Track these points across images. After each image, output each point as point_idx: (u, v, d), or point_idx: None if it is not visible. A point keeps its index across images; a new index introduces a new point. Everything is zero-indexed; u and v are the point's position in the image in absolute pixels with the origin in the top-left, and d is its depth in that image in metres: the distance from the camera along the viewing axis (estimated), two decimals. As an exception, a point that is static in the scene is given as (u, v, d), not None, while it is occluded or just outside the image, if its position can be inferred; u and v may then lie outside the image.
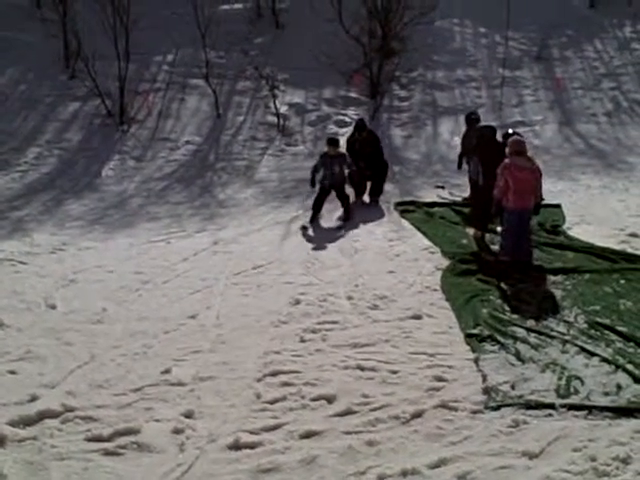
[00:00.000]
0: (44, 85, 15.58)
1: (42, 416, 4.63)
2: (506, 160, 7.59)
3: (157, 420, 4.60)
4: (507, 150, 7.69)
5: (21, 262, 8.46)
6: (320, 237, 9.46)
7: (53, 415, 4.64)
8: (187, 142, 14.27)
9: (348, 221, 10.13)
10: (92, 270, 8.18)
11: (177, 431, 4.45)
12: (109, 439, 4.36)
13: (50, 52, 15.61)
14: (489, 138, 8.74)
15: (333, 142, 10.68)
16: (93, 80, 14.47)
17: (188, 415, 4.66)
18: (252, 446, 4.25)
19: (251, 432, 4.41)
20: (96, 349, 5.83)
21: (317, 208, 10.29)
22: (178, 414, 4.66)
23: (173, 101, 15.64)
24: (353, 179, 10.99)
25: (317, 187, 10.50)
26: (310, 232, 9.73)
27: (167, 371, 5.34)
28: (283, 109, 15.43)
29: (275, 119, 15.08)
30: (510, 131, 9.56)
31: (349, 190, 10.85)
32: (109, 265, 8.30)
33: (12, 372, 5.38)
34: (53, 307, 6.92)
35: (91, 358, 5.63)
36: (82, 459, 4.16)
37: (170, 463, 4.08)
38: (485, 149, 8.60)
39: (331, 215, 10.42)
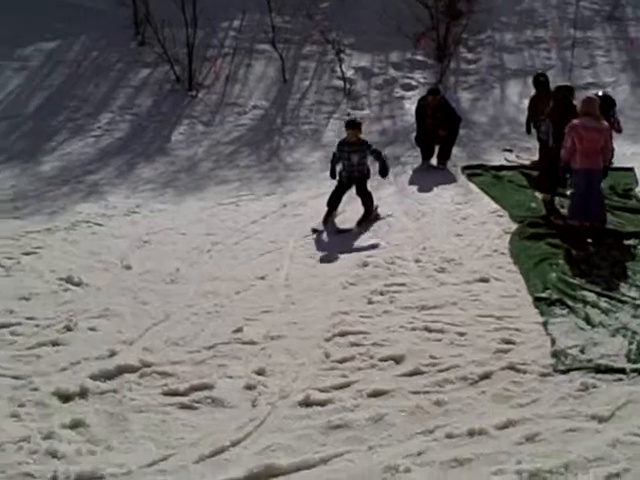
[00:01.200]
0: (115, 52, 15.85)
1: (121, 370, 4.82)
2: (574, 120, 7.45)
3: (230, 377, 4.75)
4: (578, 109, 7.55)
5: (97, 224, 8.75)
6: (387, 202, 9.48)
7: (131, 370, 4.83)
8: (254, 107, 14.36)
9: (364, 223, 8.36)
10: (165, 232, 8.41)
11: (249, 387, 4.58)
12: (185, 393, 4.52)
13: (120, 19, 15.86)
14: (564, 98, 8.53)
15: (352, 125, 8.78)
16: (162, 46, 14.64)
17: (260, 372, 4.79)
18: (322, 403, 4.35)
19: (321, 390, 4.51)
20: (170, 308, 6.02)
21: (332, 205, 8.58)
22: (250, 371, 4.80)
23: (240, 66, 15.72)
24: (421, 140, 10.88)
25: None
26: (324, 236, 8.16)
27: (239, 330, 5.48)
28: (349, 73, 15.35)
29: (341, 83, 15.01)
30: (600, 93, 9.31)
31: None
32: (181, 227, 8.51)
33: (92, 329, 5.61)
34: (129, 267, 7.16)
35: (166, 317, 5.83)
36: (160, 412, 4.32)
37: (243, 418, 4.21)
38: (559, 109, 8.41)
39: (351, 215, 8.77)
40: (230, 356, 5.08)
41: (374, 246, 7.62)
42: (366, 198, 8.61)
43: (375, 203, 8.69)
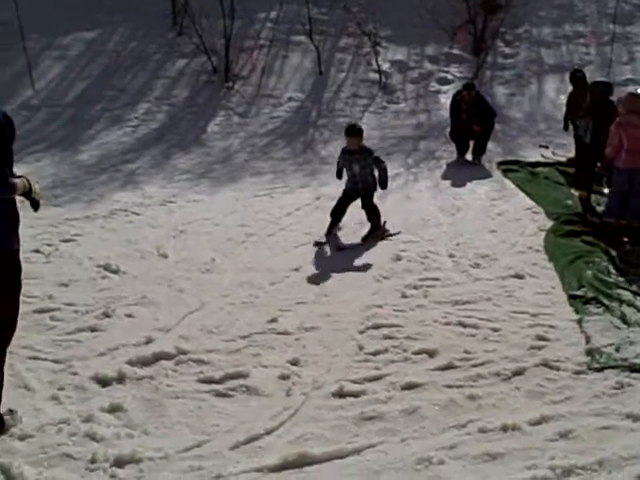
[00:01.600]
0: (153, 42, 16.03)
1: (157, 357, 4.88)
2: (619, 118, 7.38)
3: (264, 366, 4.79)
4: (620, 108, 7.47)
5: (134, 213, 8.88)
6: (420, 197, 9.49)
7: (168, 357, 4.89)
8: (290, 99, 14.44)
9: (369, 239, 7.60)
10: (200, 222, 8.49)
11: (283, 377, 4.63)
12: (220, 381, 4.58)
13: (159, 10, 16.02)
14: (601, 95, 8.45)
15: (351, 131, 7.92)
16: (199, 37, 14.78)
17: (294, 362, 4.83)
18: (355, 395, 4.38)
19: (354, 381, 4.54)
20: (206, 297, 6.09)
21: (335, 217, 7.89)
22: (284, 361, 4.84)
23: (276, 58, 15.80)
24: (456, 135, 10.82)
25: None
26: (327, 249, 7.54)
27: (273, 320, 5.54)
28: (385, 66, 15.36)
29: (377, 76, 15.04)
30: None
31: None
32: (216, 218, 8.60)
33: (129, 316, 5.69)
34: (165, 256, 7.25)
35: (201, 305, 5.90)
36: (195, 398, 4.38)
37: (277, 407, 4.25)
38: (596, 106, 8.33)
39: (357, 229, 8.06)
40: (265, 346, 5.13)
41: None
42: (372, 213, 7.81)
43: (383, 219, 7.90)
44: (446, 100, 13.37)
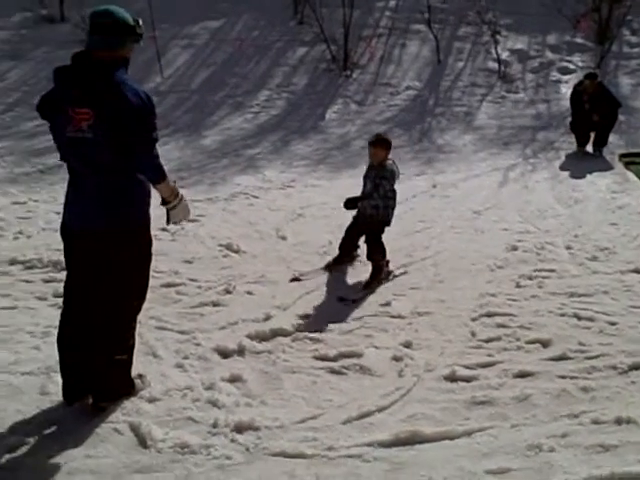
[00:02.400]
0: (275, 31, 16.38)
1: (275, 333, 5.09)
2: None
3: (377, 347, 4.91)
4: None
5: (254, 196, 9.17)
6: (538, 187, 9.35)
7: (285, 334, 5.09)
8: (407, 87, 14.44)
9: (372, 285, 6.10)
10: (318, 206, 8.70)
11: (396, 358, 4.73)
12: (334, 359, 4.73)
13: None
14: None
15: (372, 141, 6.40)
16: (319, 26, 14.99)
17: (406, 345, 4.92)
18: (467, 379, 4.43)
19: (466, 366, 4.59)
20: (322, 278, 6.28)
21: (343, 250, 6.56)
22: (397, 343, 4.94)
23: (395, 46, 15.82)
24: (576, 126, 10.54)
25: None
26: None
27: (387, 304, 5.65)
28: (504, 55, 15.10)
29: (496, 65, 14.81)
30: None
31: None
32: (333, 202, 8.74)
33: (249, 293, 5.94)
34: (283, 238, 7.48)
35: (317, 287, 6.07)
36: (310, 374, 4.55)
37: (389, 386, 4.37)
38: None
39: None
40: (378, 328, 5.24)
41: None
42: (375, 251, 6.26)
43: (387, 257, 6.38)
44: (567, 90, 13.04)
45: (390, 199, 6.26)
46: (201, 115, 13.29)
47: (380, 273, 6.20)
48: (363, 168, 10.48)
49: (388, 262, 6.37)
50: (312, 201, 8.94)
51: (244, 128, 12.85)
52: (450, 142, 11.95)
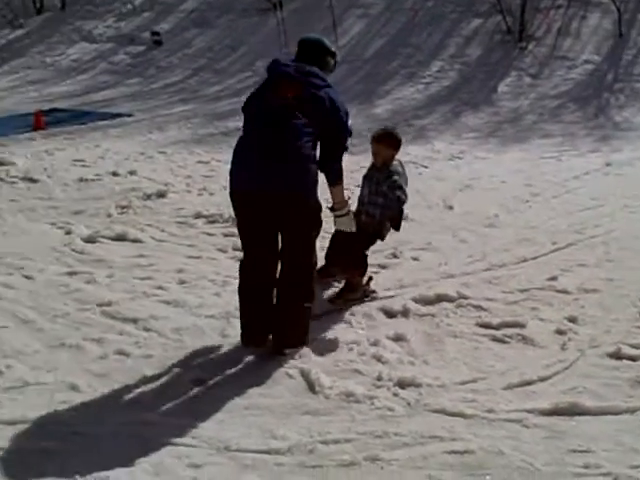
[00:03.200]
0: (449, 1, 16.23)
1: (439, 299, 5.22)
2: None
3: (541, 319, 4.92)
4: None
5: (423, 166, 9.30)
6: None
7: (449, 299, 5.21)
8: (585, 61, 13.91)
9: (340, 301, 5.17)
10: (486, 178, 8.70)
11: (560, 332, 4.73)
12: (497, 327, 4.80)
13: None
14: None
15: (375, 137, 5.29)
16: (497, -4, 14.73)
17: (571, 320, 4.90)
18: (633, 358, 4.36)
19: (633, 346, 4.51)
20: (487, 249, 6.32)
21: (328, 260, 5.30)
22: (562, 318, 4.93)
23: (574, 18, 15.24)
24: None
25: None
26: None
27: (553, 278, 5.62)
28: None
29: (685, 39, 13.94)
30: None
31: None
32: (501, 175, 8.73)
33: (415, 259, 6.11)
34: (450, 208, 7.58)
35: (483, 257, 6.14)
36: (473, 340, 4.66)
37: (551, 358, 4.39)
38: None
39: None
40: (543, 301, 5.24)
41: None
42: (352, 264, 5.19)
43: (368, 275, 5.35)
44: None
45: (389, 209, 5.19)
46: (374, 84, 13.51)
47: (353, 292, 5.22)
48: (534, 143, 10.49)
49: (370, 279, 5.39)
50: (480, 173, 8.94)
51: (415, 98, 12.94)
52: (628, 119, 11.45)
